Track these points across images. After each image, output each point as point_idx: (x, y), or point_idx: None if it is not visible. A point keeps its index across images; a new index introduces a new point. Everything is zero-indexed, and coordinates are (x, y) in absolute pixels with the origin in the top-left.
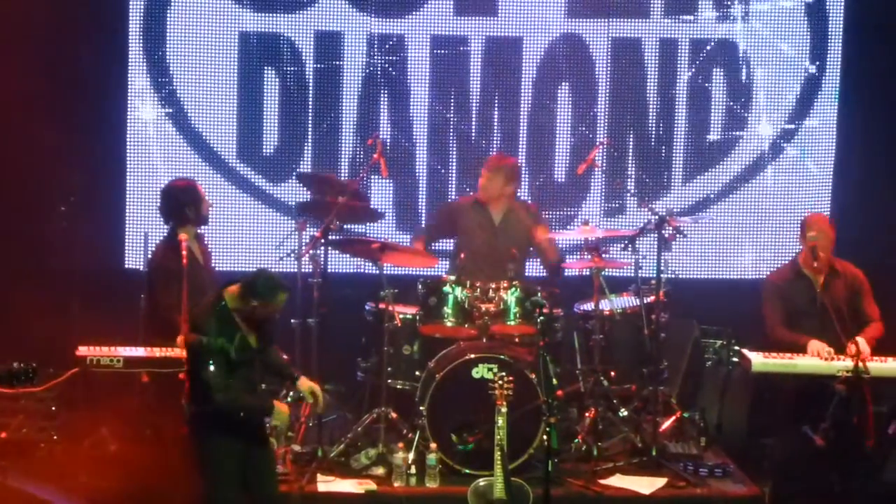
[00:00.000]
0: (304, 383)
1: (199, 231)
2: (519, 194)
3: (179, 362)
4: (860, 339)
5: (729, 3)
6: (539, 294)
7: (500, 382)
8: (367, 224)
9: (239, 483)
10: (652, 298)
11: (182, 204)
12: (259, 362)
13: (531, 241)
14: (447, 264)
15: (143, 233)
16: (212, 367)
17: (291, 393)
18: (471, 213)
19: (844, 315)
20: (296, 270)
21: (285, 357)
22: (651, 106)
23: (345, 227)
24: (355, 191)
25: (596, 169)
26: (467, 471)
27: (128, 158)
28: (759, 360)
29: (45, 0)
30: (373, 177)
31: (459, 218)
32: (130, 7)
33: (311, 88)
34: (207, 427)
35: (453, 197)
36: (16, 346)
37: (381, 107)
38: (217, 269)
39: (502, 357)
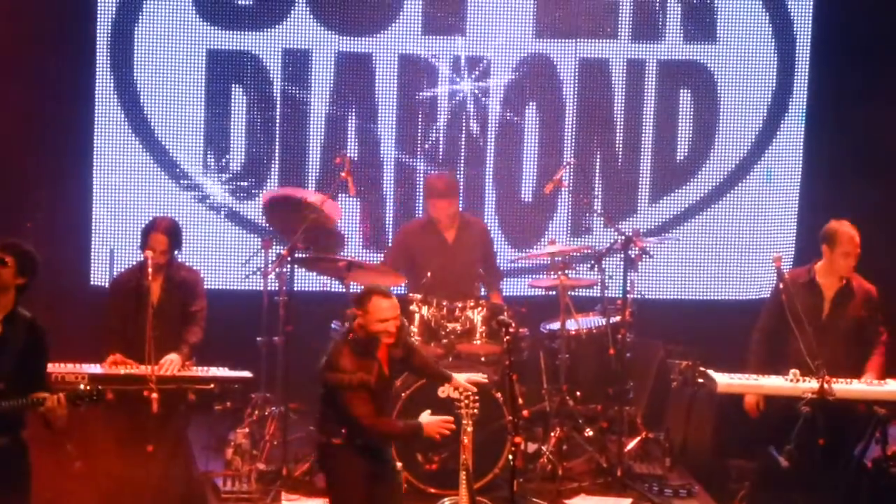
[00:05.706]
0: (456, 382)
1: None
2: (486, 215)
3: (144, 380)
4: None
5: (696, 24)
6: (505, 313)
7: (466, 402)
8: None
9: None
10: (618, 318)
11: None
12: (391, 391)
13: (484, 259)
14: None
15: (108, 250)
16: (357, 403)
17: (256, 411)
18: (423, 237)
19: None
20: (261, 288)
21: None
22: (618, 126)
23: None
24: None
25: (563, 189)
26: (432, 490)
27: (94, 175)
28: (725, 381)
29: (11, 15)
30: (340, 195)
31: (413, 243)
32: (98, 23)
33: (278, 106)
34: (337, 456)
35: (420, 215)
36: None
37: (349, 125)
38: None
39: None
